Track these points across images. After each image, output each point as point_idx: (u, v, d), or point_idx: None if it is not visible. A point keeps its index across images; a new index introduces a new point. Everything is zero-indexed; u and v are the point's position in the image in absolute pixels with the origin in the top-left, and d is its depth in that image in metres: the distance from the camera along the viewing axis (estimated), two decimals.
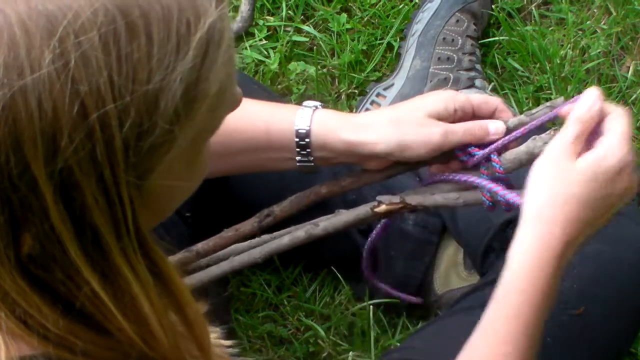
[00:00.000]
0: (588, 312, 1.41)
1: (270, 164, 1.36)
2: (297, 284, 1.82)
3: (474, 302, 1.49)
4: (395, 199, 1.33)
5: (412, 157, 1.30)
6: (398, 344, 1.73)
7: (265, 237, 1.37)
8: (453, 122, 1.31)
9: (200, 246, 1.36)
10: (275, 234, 1.37)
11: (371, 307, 1.74)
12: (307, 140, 1.31)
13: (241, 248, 1.37)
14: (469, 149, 1.30)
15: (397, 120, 1.29)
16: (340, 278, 1.76)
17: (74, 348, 0.83)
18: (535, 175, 1.14)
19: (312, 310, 1.80)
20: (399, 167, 1.35)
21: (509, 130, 1.30)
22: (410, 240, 1.71)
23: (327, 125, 1.32)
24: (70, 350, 0.83)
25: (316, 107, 1.33)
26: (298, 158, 1.33)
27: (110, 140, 0.76)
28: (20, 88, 0.73)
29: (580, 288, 1.43)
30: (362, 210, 1.34)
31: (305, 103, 1.35)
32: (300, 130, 1.31)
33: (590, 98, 1.16)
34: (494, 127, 1.29)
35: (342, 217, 1.35)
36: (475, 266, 1.69)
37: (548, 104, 1.29)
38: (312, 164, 1.34)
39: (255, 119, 1.33)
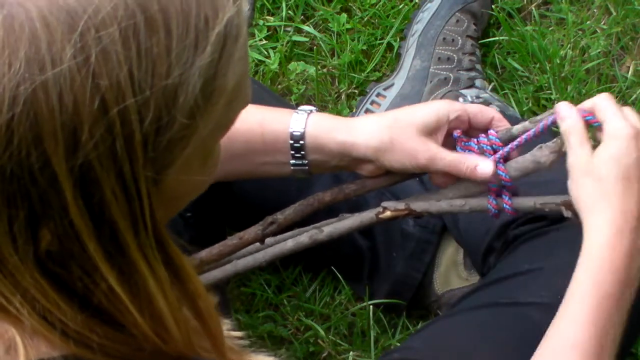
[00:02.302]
0: None
1: (265, 168, 1.37)
2: (297, 284, 1.82)
3: (474, 302, 1.49)
4: (401, 205, 1.33)
5: (396, 169, 1.32)
6: (398, 344, 1.73)
7: (269, 240, 1.37)
8: (448, 130, 1.32)
9: (204, 254, 1.36)
10: (278, 237, 1.37)
11: (371, 307, 1.74)
12: (301, 142, 1.32)
13: (245, 252, 1.37)
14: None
15: (390, 129, 1.30)
16: (340, 278, 1.76)
17: (91, 344, 0.83)
18: (577, 189, 1.23)
19: (312, 310, 1.80)
20: (400, 175, 1.35)
21: (513, 138, 1.30)
22: (411, 240, 1.71)
23: (321, 127, 1.32)
24: (88, 347, 0.83)
25: (311, 111, 1.34)
26: (292, 162, 1.34)
27: (130, 135, 0.76)
28: (41, 83, 0.73)
29: None
30: (367, 216, 1.35)
31: (300, 108, 1.35)
32: (295, 133, 1.32)
33: (564, 110, 1.25)
34: (482, 171, 1.29)
35: (346, 222, 1.35)
36: (475, 266, 1.69)
37: (552, 110, 1.29)
38: (307, 167, 1.34)
39: (250, 123, 1.33)
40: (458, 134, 1.32)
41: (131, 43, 0.75)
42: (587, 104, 1.26)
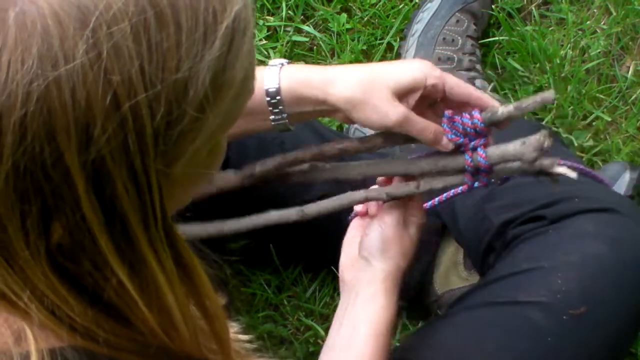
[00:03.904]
0: (588, 313, 1.42)
1: (246, 127, 1.35)
2: (297, 284, 1.82)
3: (474, 302, 1.49)
4: (382, 196, 1.35)
5: (364, 124, 1.31)
6: (398, 344, 1.73)
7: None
8: (422, 95, 1.30)
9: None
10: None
11: None
12: (278, 98, 1.31)
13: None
14: (454, 135, 1.30)
15: (364, 86, 1.29)
16: None
17: (97, 338, 0.83)
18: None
19: (312, 310, 1.80)
20: (382, 141, 1.35)
21: (497, 122, 1.28)
22: None
23: (296, 79, 1.31)
24: (94, 341, 0.84)
25: (282, 65, 1.33)
26: (272, 117, 1.32)
27: (141, 129, 0.77)
28: (54, 79, 0.74)
29: (581, 288, 1.43)
30: (352, 198, 1.38)
31: (271, 62, 1.34)
32: (270, 89, 1.30)
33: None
34: (445, 142, 1.30)
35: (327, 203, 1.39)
36: (475, 266, 1.69)
37: (537, 98, 1.27)
38: (287, 120, 1.33)
39: None
40: (449, 114, 1.31)
41: (142, 38, 0.76)
42: None
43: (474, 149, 1.29)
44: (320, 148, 1.36)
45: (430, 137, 1.29)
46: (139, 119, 0.76)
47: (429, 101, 1.33)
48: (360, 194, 1.37)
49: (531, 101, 1.26)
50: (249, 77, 0.86)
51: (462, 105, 1.31)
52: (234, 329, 1.02)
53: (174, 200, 0.88)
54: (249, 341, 1.05)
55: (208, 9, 0.79)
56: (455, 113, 1.31)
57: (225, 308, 0.94)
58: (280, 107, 1.32)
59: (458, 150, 1.31)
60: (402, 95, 1.29)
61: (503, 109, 1.28)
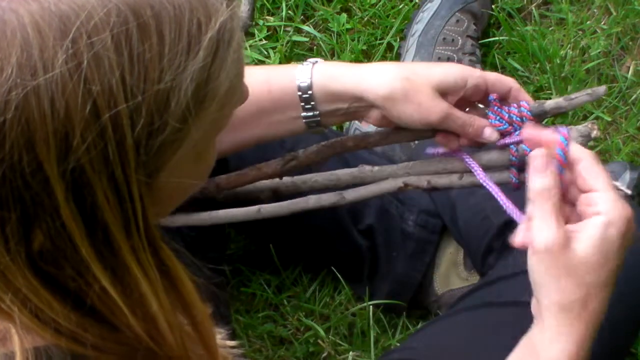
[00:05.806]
0: None
1: (277, 127, 1.34)
2: (297, 284, 1.82)
3: (474, 302, 1.49)
4: (423, 182, 1.32)
5: (403, 121, 1.28)
6: (398, 344, 1.73)
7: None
8: (462, 97, 1.29)
9: (222, 180, 1.36)
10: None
11: (371, 307, 1.74)
12: (310, 92, 1.29)
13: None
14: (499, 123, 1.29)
15: (405, 81, 1.27)
16: (340, 278, 1.76)
17: (84, 341, 0.84)
18: (540, 271, 1.09)
19: (312, 310, 1.80)
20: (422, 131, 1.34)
21: (544, 113, 1.27)
22: (411, 240, 1.71)
23: (328, 75, 1.30)
24: (80, 344, 0.84)
25: (316, 62, 1.32)
26: (303, 114, 1.30)
27: (121, 139, 0.77)
28: (33, 88, 0.74)
29: None
30: (388, 186, 1.35)
31: (306, 61, 1.33)
32: (302, 84, 1.29)
33: (539, 165, 1.08)
34: (488, 134, 1.29)
35: (368, 189, 1.36)
36: (475, 266, 1.69)
37: (589, 91, 1.25)
38: (319, 118, 1.31)
39: (255, 82, 1.30)
40: (494, 97, 1.30)
41: (123, 49, 0.76)
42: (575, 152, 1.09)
43: (518, 142, 1.28)
44: (364, 134, 1.35)
45: (472, 131, 1.28)
46: (119, 129, 0.77)
47: (474, 100, 1.31)
48: (398, 181, 1.35)
49: (581, 94, 1.25)
50: (235, 87, 0.86)
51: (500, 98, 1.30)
52: (221, 335, 1.02)
53: (161, 207, 0.88)
54: (236, 346, 1.05)
55: (192, 20, 0.79)
56: (501, 102, 1.30)
57: (212, 315, 0.94)
58: (312, 103, 1.30)
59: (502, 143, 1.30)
60: (443, 93, 1.28)
61: (551, 101, 1.27)
